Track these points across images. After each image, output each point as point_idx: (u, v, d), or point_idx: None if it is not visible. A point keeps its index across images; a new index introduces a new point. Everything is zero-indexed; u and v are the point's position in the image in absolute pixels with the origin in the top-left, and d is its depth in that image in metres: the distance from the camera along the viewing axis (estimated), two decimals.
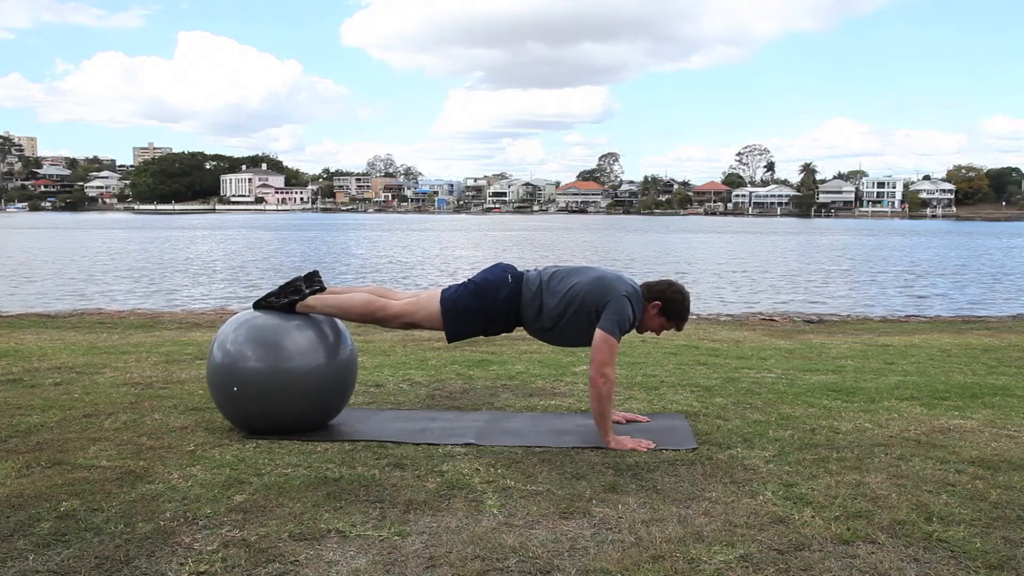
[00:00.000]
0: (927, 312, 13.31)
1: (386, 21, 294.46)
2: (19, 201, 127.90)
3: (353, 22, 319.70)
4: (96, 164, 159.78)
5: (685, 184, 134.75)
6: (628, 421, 3.73)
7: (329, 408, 3.61)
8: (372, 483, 2.82)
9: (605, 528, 2.43)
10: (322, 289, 3.60)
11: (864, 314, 11.85)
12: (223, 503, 2.60)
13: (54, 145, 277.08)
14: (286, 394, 3.40)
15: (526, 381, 4.78)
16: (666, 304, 3.48)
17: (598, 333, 3.33)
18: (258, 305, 3.61)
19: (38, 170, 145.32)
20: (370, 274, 22.23)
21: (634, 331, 3.54)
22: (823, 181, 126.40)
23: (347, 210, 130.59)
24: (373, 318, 3.60)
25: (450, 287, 3.57)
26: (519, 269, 3.60)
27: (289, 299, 3.54)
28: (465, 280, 3.59)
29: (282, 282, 3.65)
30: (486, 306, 3.45)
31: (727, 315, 10.55)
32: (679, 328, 3.59)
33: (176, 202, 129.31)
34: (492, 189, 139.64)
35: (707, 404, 4.14)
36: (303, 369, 3.42)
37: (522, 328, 3.58)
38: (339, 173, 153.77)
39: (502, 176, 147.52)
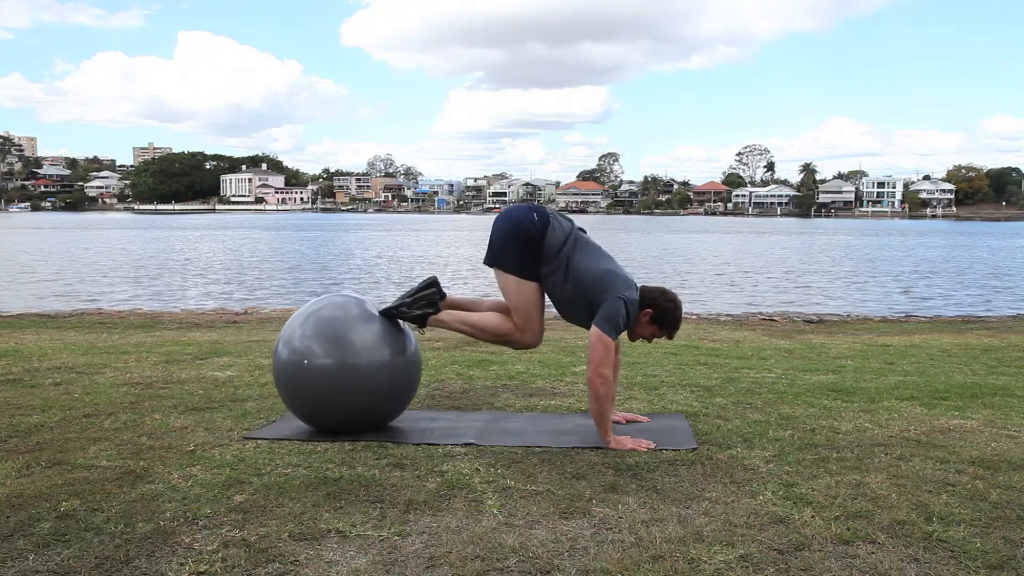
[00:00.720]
0: (926, 312, 13.30)
1: (386, 21, 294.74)
2: (19, 201, 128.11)
3: (353, 22, 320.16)
4: (96, 164, 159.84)
5: (685, 184, 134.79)
6: (628, 421, 3.73)
7: (395, 406, 3.56)
8: (372, 483, 2.82)
9: (605, 528, 2.43)
10: (443, 297, 3.50)
11: (864, 314, 11.85)
12: (223, 503, 2.60)
13: (54, 145, 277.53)
14: (353, 387, 3.35)
15: (526, 381, 4.78)
16: (658, 312, 3.47)
17: (593, 331, 3.32)
18: (387, 313, 3.47)
19: (38, 170, 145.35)
20: (372, 274, 22.21)
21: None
22: (823, 181, 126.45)
23: (347, 210, 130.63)
24: (506, 341, 3.48)
25: (497, 257, 3.43)
26: (546, 212, 3.47)
27: (423, 312, 3.43)
28: (496, 241, 3.46)
29: (409, 287, 3.53)
30: (526, 241, 3.35)
31: (727, 315, 10.55)
32: (670, 336, 3.58)
33: (176, 202, 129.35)
34: (492, 189, 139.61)
35: (707, 404, 4.14)
36: (371, 364, 3.36)
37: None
38: (339, 173, 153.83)
39: (502, 176, 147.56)
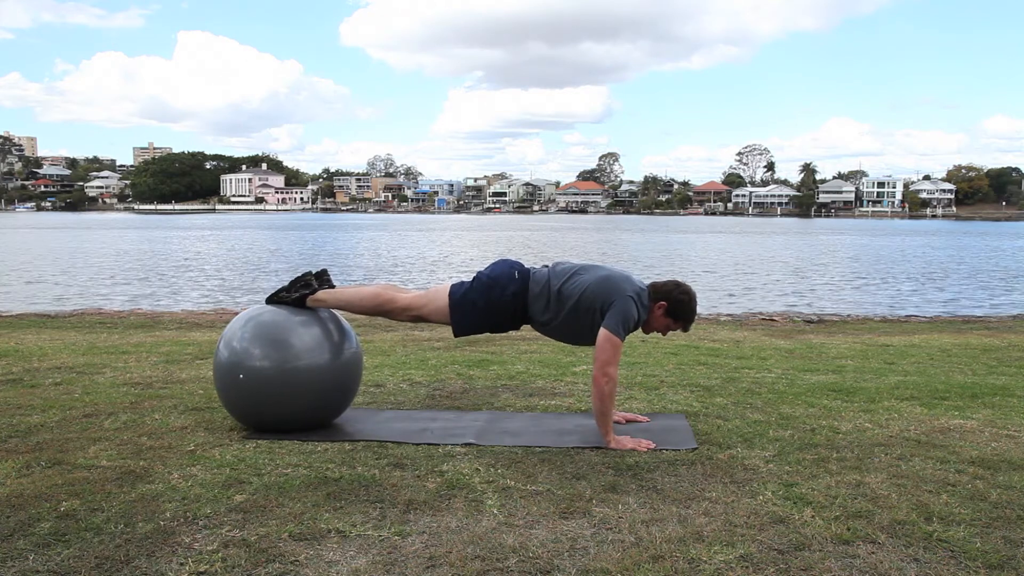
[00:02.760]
0: (927, 312, 13.30)
1: (385, 21, 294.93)
2: (19, 201, 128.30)
3: (352, 21, 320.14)
4: (96, 164, 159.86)
5: (685, 184, 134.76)
6: (628, 421, 3.73)
7: (333, 406, 3.63)
8: (372, 483, 2.82)
9: (605, 528, 2.43)
10: (331, 286, 3.65)
11: (864, 314, 11.85)
12: (223, 503, 2.60)
13: (54, 145, 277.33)
14: (290, 390, 3.42)
15: (526, 381, 4.78)
16: (672, 304, 3.48)
17: (602, 332, 3.33)
18: (270, 300, 3.64)
19: (38, 170, 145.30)
20: (377, 275, 22.22)
21: (636, 331, 3.54)
22: (823, 181, 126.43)
23: (347, 210, 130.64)
24: (381, 310, 3.63)
25: (459, 283, 3.58)
26: (526, 266, 3.60)
27: (300, 293, 3.58)
28: (473, 276, 3.60)
29: (292, 278, 3.70)
30: (492, 302, 3.47)
31: (727, 315, 10.55)
32: (685, 329, 3.59)
33: (176, 202, 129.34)
34: (492, 189, 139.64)
35: (707, 404, 4.14)
36: (308, 366, 3.44)
37: (528, 326, 3.59)
38: (339, 173, 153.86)
39: (502, 176, 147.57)
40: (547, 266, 3.60)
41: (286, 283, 3.68)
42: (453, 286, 3.57)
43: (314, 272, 3.67)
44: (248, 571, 2.13)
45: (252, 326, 3.51)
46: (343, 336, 3.62)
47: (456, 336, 3.60)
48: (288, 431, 3.48)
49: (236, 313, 10.25)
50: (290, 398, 3.43)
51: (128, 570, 2.14)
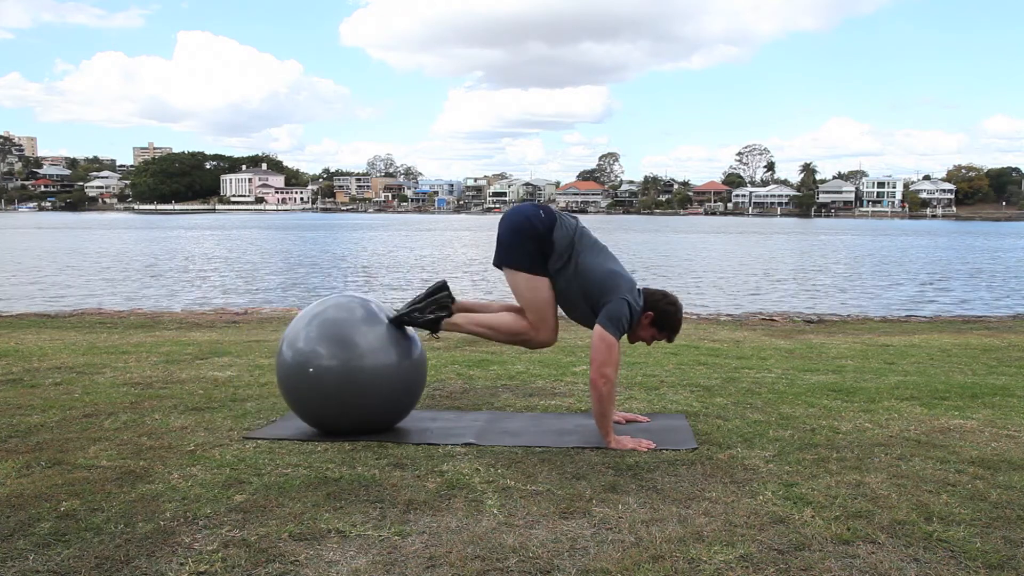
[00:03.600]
0: (924, 312, 13.30)
1: (385, 21, 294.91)
2: (19, 201, 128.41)
3: (352, 21, 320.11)
4: (96, 164, 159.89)
5: (685, 184, 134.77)
6: (628, 421, 3.73)
7: (401, 408, 3.53)
8: (372, 483, 2.82)
9: (605, 528, 2.43)
10: (453, 300, 3.45)
11: (864, 314, 11.85)
12: (223, 503, 2.60)
13: (54, 145, 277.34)
14: (359, 390, 3.32)
15: (526, 381, 4.78)
16: (658, 315, 3.47)
17: (597, 330, 3.32)
18: (399, 321, 3.40)
19: (38, 170, 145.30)
20: (377, 275, 22.20)
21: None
22: (823, 181, 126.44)
23: (347, 210, 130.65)
24: (521, 340, 3.44)
25: (507, 257, 3.40)
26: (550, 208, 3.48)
27: (436, 316, 3.39)
28: (505, 240, 3.43)
29: (418, 294, 3.48)
30: (536, 239, 3.34)
31: (727, 315, 10.55)
32: (670, 340, 3.58)
33: (176, 202, 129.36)
34: (492, 189, 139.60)
35: (707, 404, 4.13)
36: (376, 367, 3.32)
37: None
38: (339, 173, 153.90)
39: (502, 176, 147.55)
40: (574, 217, 3.49)
41: (416, 300, 3.43)
42: (503, 261, 3.40)
43: (445, 290, 3.40)
44: (248, 571, 2.13)
45: (317, 324, 3.35)
46: (408, 336, 3.47)
47: (552, 278, 3.37)
48: (358, 433, 3.39)
49: (236, 313, 10.25)
50: (357, 398, 3.33)
51: (128, 570, 2.14)
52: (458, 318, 3.43)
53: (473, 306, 3.59)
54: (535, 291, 3.38)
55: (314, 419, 3.46)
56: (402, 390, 3.47)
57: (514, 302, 3.51)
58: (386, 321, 3.42)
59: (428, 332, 3.51)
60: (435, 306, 3.39)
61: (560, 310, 3.54)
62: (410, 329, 3.50)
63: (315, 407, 3.40)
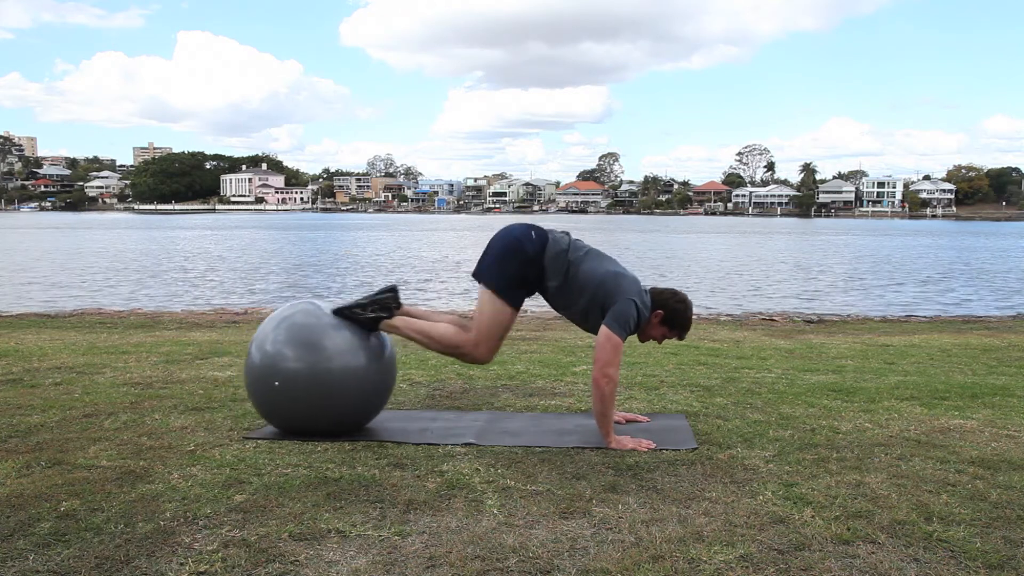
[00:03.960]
0: (924, 312, 13.30)
1: (385, 21, 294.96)
2: (19, 201, 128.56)
3: (352, 21, 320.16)
4: (96, 164, 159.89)
5: (685, 184, 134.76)
6: (628, 421, 3.73)
7: (369, 409, 3.54)
8: (372, 483, 2.82)
9: (605, 528, 2.43)
10: (399, 306, 3.47)
11: (864, 314, 11.85)
12: (223, 503, 2.60)
13: (54, 145, 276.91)
14: (325, 392, 3.33)
15: (526, 381, 4.78)
16: (669, 313, 3.48)
17: (602, 331, 3.32)
18: (339, 313, 3.44)
19: (38, 170, 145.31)
20: (378, 274, 22.20)
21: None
22: (823, 181, 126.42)
23: (347, 210, 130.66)
24: (456, 352, 3.46)
25: (485, 274, 3.43)
26: (541, 227, 3.50)
27: (376, 315, 3.42)
28: (489, 258, 3.46)
29: (362, 294, 3.51)
30: (524, 263, 3.36)
31: (727, 315, 10.55)
32: (681, 337, 3.59)
33: (176, 202, 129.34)
34: (492, 189, 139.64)
35: (707, 404, 4.13)
36: (343, 368, 3.34)
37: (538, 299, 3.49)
38: (339, 173, 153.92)
39: (502, 176, 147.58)
40: (566, 232, 3.51)
41: (362, 297, 3.48)
42: (481, 277, 3.44)
43: (391, 292, 3.45)
44: (248, 571, 2.13)
45: (285, 328, 3.37)
46: (378, 338, 3.50)
47: (516, 311, 3.42)
48: (322, 435, 3.40)
49: (236, 313, 10.24)
50: (325, 401, 3.34)
51: (128, 570, 2.14)
52: (397, 320, 3.45)
53: (417, 313, 3.61)
54: (496, 314, 3.40)
55: (283, 423, 3.45)
56: (371, 391, 3.48)
57: (459, 317, 3.53)
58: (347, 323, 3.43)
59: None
60: (377, 306, 3.42)
61: (577, 324, 3.57)
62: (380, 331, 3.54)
63: (283, 412, 3.39)
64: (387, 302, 3.43)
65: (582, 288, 3.38)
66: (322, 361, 3.33)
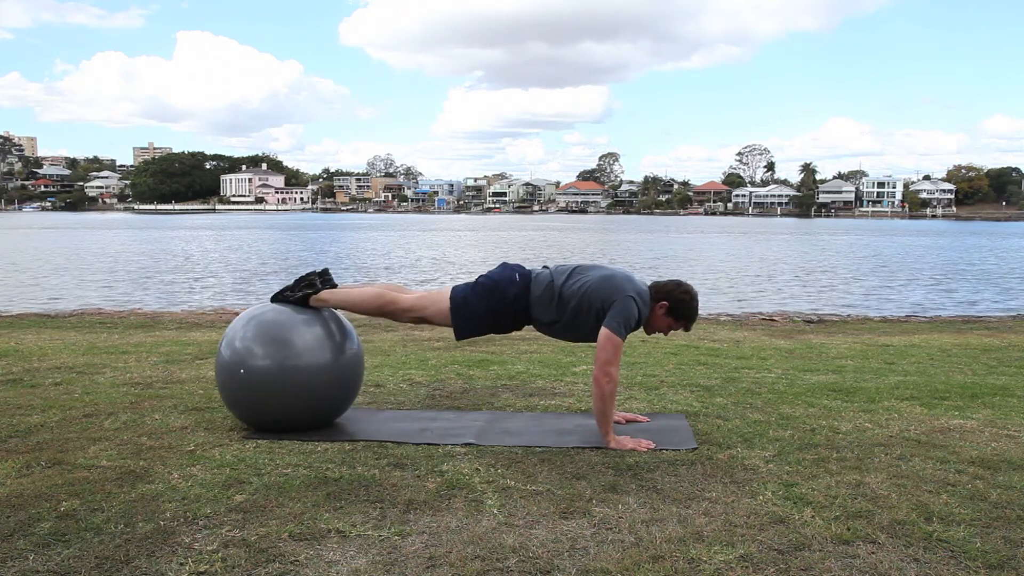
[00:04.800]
0: (928, 312, 13.29)
1: (384, 21, 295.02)
2: (19, 201, 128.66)
3: (352, 21, 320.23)
4: (96, 164, 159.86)
5: (685, 184, 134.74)
6: (628, 421, 3.73)
7: (335, 405, 3.64)
8: (372, 483, 2.82)
9: (605, 528, 2.43)
10: (333, 285, 3.66)
11: (864, 314, 11.85)
12: (223, 503, 2.60)
13: (53, 145, 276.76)
14: (291, 388, 3.43)
15: (526, 381, 4.78)
16: (674, 304, 3.48)
17: (603, 332, 3.33)
18: (274, 299, 3.67)
19: (38, 170, 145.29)
20: (378, 275, 22.20)
21: (637, 331, 3.54)
22: (823, 181, 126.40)
23: (347, 210, 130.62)
24: (383, 311, 3.64)
25: (460, 286, 3.59)
26: (527, 268, 3.62)
27: (303, 293, 3.60)
28: (474, 280, 3.61)
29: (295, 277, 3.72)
30: (494, 305, 3.49)
31: (727, 315, 10.55)
32: (687, 328, 3.59)
33: (176, 202, 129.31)
34: (492, 189, 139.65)
35: (707, 404, 4.13)
36: (309, 365, 3.46)
37: (530, 327, 3.60)
38: (339, 173, 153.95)
39: (502, 176, 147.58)
40: (547, 267, 3.61)
41: (290, 282, 3.70)
42: (455, 289, 3.57)
43: (317, 272, 3.69)
44: (248, 571, 2.13)
45: (254, 325, 3.52)
46: (344, 335, 3.63)
47: (457, 340, 3.61)
48: (289, 430, 3.48)
49: (236, 313, 10.25)
50: (291, 396, 3.44)
51: (128, 570, 2.14)
52: (325, 294, 3.63)
53: (348, 286, 3.78)
54: (436, 318, 3.57)
55: (250, 417, 3.54)
56: (338, 385, 3.59)
57: (392, 285, 3.73)
58: (319, 319, 3.58)
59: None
60: (304, 283, 3.63)
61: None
62: (347, 324, 3.70)
63: (249, 405, 3.50)
64: (312, 279, 3.64)
65: (578, 305, 3.43)
66: (290, 357, 3.45)
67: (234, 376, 3.45)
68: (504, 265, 3.63)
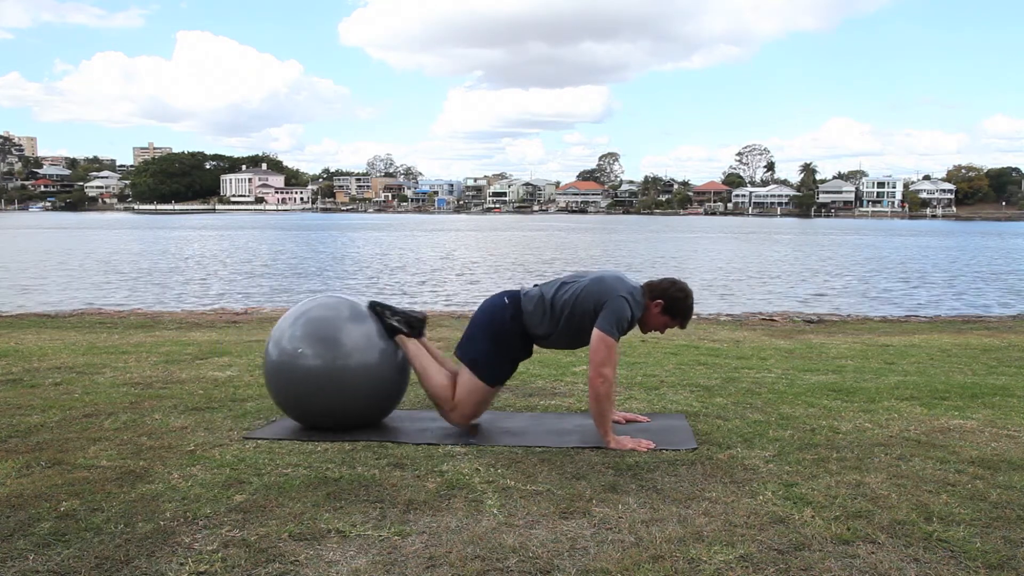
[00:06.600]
0: (927, 312, 13.29)
1: (385, 21, 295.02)
2: (20, 201, 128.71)
3: (352, 21, 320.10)
4: (96, 164, 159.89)
5: (685, 184, 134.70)
6: (628, 421, 3.73)
7: (384, 405, 3.67)
8: (372, 483, 2.82)
9: (605, 528, 2.43)
10: (421, 335, 3.68)
11: (864, 314, 11.85)
12: (223, 503, 2.60)
13: (53, 145, 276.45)
14: (339, 386, 3.45)
15: (526, 381, 4.78)
16: (669, 302, 3.49)
17: (595, 333, 3.34)
18: (373, 306, 3.65)
19: (38, 170, 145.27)
20: (379, 275, 22.19)
21: (634, 331, 3.55)
22: (823, 181, 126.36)
23: (347, 210, 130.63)
24: (437, 405, 3.63)
25: (464, 348, 3.60)
26: (513, 289, 3.69)
27: (398, 326, 3.60)
28: (469, 323, 3.68)
29: (393, 303, 3.74)
30: (497, 335, 3.54)
31: (727, 315, 10.55)
32: (682, 326, 3.60)
33: (176, 202, 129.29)
34: (492, 189, 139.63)
35: (707, 404, 4.13)
36: (359, 364, 3.48)
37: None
38: (339, 173, 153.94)
39: (502, 176, 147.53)
40: (537, 286, 3.65)
41: (396, 306, 3.69)
42: (456, 352, 3.62)
43: (421, 317, 3.69)
44: (248, 571, 2.13)
45: (303, 323, 3.52)
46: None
47: (493, 386, 3.59)
48: (336, 429, 3.50)
49: (236, 313, 10.24)
50: (339, 394, 3.45)
51: (128, 570, 2.14)
52: (410, 344, 3.63)
53: (431, 349, 3.76)
54: (472, 393, 3.56)
55: (300, 413, 3.55)
56: (388, 386, 3.60)
57: (465, 371, 3.63)
58: (368, 319, 3.59)
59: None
60: (407, 322, 3.64)
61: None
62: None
63: (302, 402, 3.50)
64: (414, 322, 3.64)
65: (571, 313, 3.45)
66: (340, 357, 3.46)
67: (291, 357, 3.44)
68: (490, 297, 3.70)
